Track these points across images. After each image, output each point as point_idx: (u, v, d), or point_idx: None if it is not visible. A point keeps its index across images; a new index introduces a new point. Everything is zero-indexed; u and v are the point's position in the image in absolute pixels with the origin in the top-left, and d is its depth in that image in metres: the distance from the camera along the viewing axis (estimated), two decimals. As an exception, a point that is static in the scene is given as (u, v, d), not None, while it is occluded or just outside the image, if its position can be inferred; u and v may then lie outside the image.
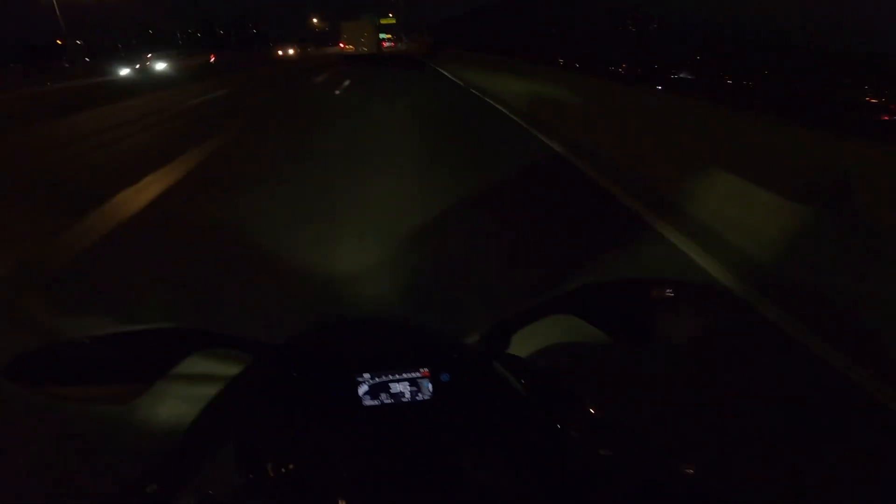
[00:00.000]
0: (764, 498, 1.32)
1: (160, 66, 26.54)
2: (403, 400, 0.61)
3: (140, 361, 0.56)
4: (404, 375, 0.60)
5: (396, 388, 0.61)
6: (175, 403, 1.10)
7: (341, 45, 31.25)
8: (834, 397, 1.73)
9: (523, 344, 0.68)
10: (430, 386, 0.61)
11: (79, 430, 1.51)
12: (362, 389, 0.60)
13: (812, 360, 1.88)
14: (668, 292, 0.62)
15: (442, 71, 17.14)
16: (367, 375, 0.60)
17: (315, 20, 69.23)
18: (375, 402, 0.60)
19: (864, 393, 1.72)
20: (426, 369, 0.61)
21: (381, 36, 37.94)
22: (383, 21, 53.60)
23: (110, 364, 0.56)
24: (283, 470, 0.56)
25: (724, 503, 0.49)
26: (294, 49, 49.71)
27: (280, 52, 47.91)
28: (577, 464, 0.55)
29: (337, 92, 11.89)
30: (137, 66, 25.98)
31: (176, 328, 0.60)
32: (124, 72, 24.57)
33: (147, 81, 18.23)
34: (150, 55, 28.15)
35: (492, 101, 9.19)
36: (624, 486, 0.51)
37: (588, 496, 0.52)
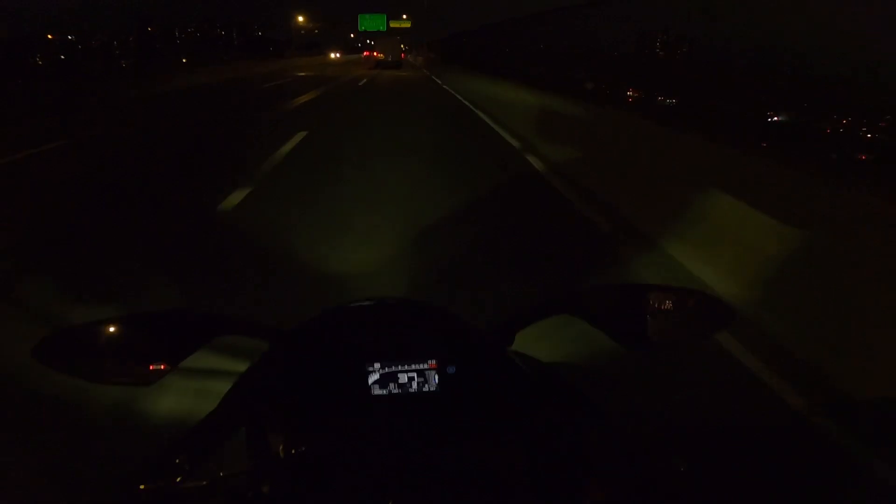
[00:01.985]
0: (754, 495, 1.38)
1: None
2: (410, 390, 0.63)
3: (162, 344, 0.58)
4: (412, 367, 0.63)
5: (404, 378, 0.62)
6: (191, 386, 1.40)
7: (375, 53, 38.66)
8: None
9: (526, 342, 0.69)
10: (437, 378, 0.63)
11: (98, 408, 1.58)
12: (372, 378, 0.62)
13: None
14: (664, 297, 0.65)
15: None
16: (377, 365, 0.62)
17: (301, 18, 46.47)
18: (383, 392, 0.62)
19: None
20: (433, 361, 0.63)
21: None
22: (393, 24, 47.88)
23: (134, 346, 0.58)
24: (292, 454, 0.58)
25: (714, 498, 0.58)
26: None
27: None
28: (578, 455, 0.57)
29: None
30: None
31: (195, 313, 0.62)
32: None
33: None
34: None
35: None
36: (620, 476, 0.54)
37: (588, 487, 0.54)
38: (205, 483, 0.51)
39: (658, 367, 1.73)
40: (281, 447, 0.58)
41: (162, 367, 0.55)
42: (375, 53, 39.20)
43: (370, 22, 50.10)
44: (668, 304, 0.64)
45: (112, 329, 0.58)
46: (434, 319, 0.67)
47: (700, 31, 8.17)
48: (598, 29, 8.99)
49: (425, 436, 0.60)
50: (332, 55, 45.26)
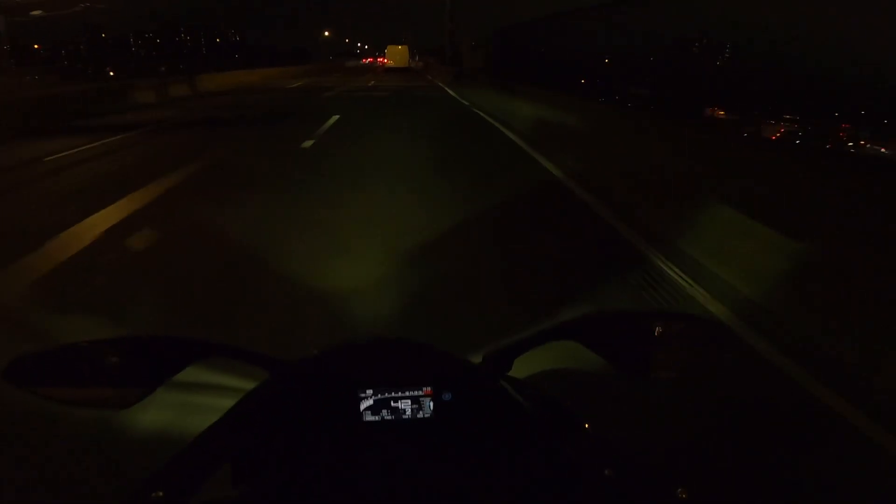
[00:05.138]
0: None
1: None
2: (404, 417, 0.62)
3: (142, 367, 0.56)
4: (406, 393, 0.61)
5: (398, 405, 0.61)
6: (177, 411, 1.27)
7: (384, 60, 39.22)
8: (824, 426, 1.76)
9: (525, 368, 0.69)
10: (432, 404, 0.62)
11: (77, 434, 1.55)
12: (364, 405, 0.61)
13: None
14: (669, 325, 0.64)
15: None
16: (369, 391, 0.61)
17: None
18: (376, 419, 0.61)
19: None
20: (428, 388, 0.62)
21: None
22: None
23: (111, 369, 0.56)
24: (281, 483, 0.58)
25: None
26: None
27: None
28: (576, 486, 0.57)
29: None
30: None
31: (183, 338, 0.61)
32: None
33: None
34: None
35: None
36: None
37: None
38: None
39: (661, 393, 1.69)
40: (267, 477, 0.57)
41: (138, 391, 0.54)
42: (381, 60, 41.74)
43: None
44: (672, 332, 0.63)
45: (86, 352, 0.57)
46: (430, 355, 0.67)
47: (743, 35, 7.21)
48: (628, 31, 8.17)
49: (419, 462, 0.60)
50: (385, 61, 27.10)
